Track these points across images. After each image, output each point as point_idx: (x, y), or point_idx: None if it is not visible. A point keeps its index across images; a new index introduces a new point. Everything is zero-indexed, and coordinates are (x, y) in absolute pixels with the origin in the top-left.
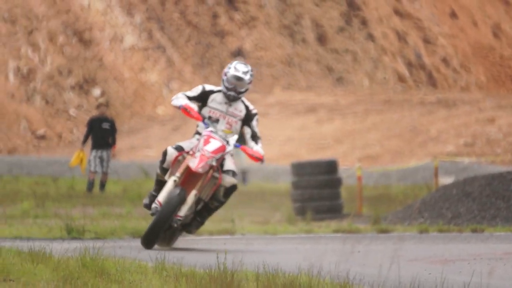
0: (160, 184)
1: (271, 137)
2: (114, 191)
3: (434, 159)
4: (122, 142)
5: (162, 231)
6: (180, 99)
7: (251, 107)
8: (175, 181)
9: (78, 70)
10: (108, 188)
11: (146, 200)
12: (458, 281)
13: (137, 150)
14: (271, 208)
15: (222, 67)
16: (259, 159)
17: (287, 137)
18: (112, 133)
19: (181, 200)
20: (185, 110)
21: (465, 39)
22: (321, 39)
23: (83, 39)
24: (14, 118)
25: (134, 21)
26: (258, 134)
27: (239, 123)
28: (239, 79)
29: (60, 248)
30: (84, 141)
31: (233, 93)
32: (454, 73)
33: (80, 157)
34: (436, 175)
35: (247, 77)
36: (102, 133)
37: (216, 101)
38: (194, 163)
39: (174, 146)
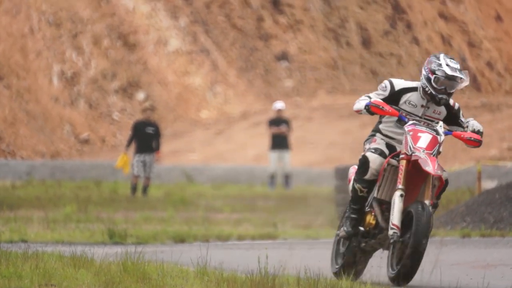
0: (360, 201)
1: (315, 141)
2: (156, 195)
3: (477, 163)
4: (165, 146)
5: (421, 260)
6: (362, 101)
7: (451, 102)
8: (401, 195)
9: (122, 74)
10: (151, 192)
11: (344, 229)
12: (499, 286)
13: (180, 154)
14: (314, 212)
15: (267, 71)
16: (478, 141)
17: (330, 141)
18: (156, 138)
19: (431, 217)
20: (375, 107)
21: (510, 42)
22: (366, 42)
23: (128, 42)
24: (57, 122)
25: (178, 25)
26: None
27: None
28: (452, 78)
29: (102, 252)
30: (128, 145)
31: (445, 97)
32: (498, 77)
33: (124, 159)
34: (479, 179)
35: (461, 75)
36: (145, 137)
37: (411, 103)
38: (430, 167)
39: (371, 150)
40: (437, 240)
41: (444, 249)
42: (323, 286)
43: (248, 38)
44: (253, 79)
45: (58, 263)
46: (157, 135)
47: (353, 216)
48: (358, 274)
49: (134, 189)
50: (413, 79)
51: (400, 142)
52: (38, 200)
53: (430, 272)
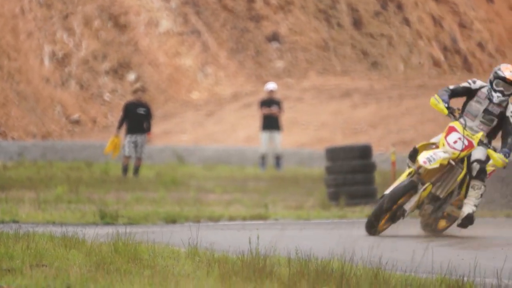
0: None
1: (306, 122)
2: (147, 176)
3: None
4: (156, 127)
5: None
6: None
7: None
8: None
9: (113, 55)
10: (142, 173)
11: None
12: (491, 266)
13: (171, 135)
14: (304, 193)
15: (258, 52)
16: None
17: (321, 121)
18: (147, 119)
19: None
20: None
21: (501, 23)
22: (357, 23)
23: (119, 23)
24: (48, 103)
25: (169, 6)
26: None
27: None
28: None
29: (93, 233)
30: (119, 126)
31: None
32: (489, 58)
33: (114, 142)
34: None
35: None
36: (137, 118)
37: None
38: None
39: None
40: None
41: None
42: (314, 267)
43: (239, 19)
44: (244, 60)
45: (49, 244)
46: (148, 116)
47: None
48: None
49: (125, 170)
50: (403, 60)
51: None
52: (29, 181)
53: (421, 253)
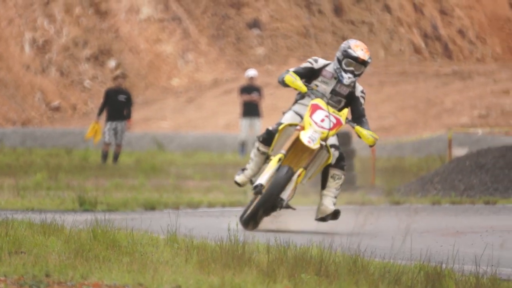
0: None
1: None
2: (127, 163)
3: (448, 131)
4: (136, 114)
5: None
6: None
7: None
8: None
9: (93, 42)
10: (122, 159)
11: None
12: (469, 253)
13: (151, 121)
14: None
15: (238, 38)
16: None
17: None
18: (127, 106)
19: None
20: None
21: (482, 10)
22: (337, 10)
23: (99, 10)
24: (29, 90)
25: None
26: None
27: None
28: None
29: (72, 220)
30: (100, 113)
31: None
32: (469, 45)
33: (95, 129)
34: (449, 146)
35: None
36: (117, 105)
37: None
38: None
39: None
40: (407, 208)
41: (414, 216)
42: (292, 254)
43: (219, 6)
44: (225, 47)
45: (28, 231)
46: (128, 103)
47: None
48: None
49: (105, 156)
50: (384, 47)
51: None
52: (8, 168)
53: (401, 240)
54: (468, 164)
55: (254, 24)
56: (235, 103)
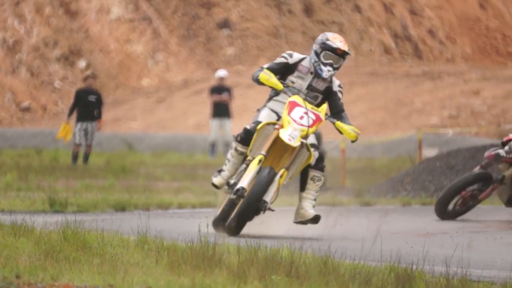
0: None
1: (256, 109)
2: (97, 164)
3: (418, 131)
4: (106, 114)
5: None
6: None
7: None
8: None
9: (64, 42)
10: (92, 160)
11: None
12: (440, 254)
13: (121, 122)
14: None
15: (208, 38)
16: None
17: None
18: (98, 106)
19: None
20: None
21: (452, 10)
22: (308, 10)
23: (70, 10)
24: None
25: None
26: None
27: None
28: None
29: (43, 221)
30: (70, 113)
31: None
32: (440, 45)
33: (66, 129)
34: (420, 147)
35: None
36: (87, 106)
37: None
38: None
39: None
40: (378, 209)
41: (385, 217)
42: (263, 255)
43: (190, 5)
44: (195, 47)
45: None
46: (99, 103)
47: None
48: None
49: (75, 157)
50: (354, 47)
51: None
52: None
53: (371, 241)
54: (439, 165)
55: (224, 24)
56: (205, 104)
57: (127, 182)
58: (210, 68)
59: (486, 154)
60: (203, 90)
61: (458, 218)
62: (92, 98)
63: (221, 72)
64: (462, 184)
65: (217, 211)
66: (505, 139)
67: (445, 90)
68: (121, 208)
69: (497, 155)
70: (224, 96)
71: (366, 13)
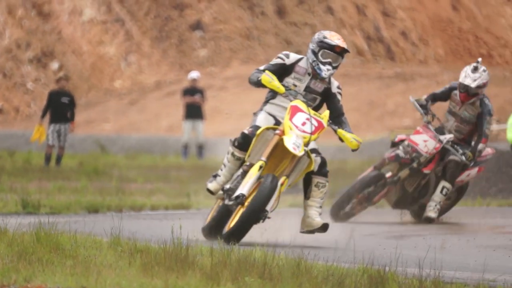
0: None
1: (229, 111)
2: (70, 165)
3: (391, 133)
4: (79, 116)
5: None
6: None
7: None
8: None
9: (36, 43)
10: (64, 162)
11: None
12: (412, 256)
13: (94, 124)
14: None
15: (181, 40)
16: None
17: (245, 111)
18: (71, 108)
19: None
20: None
21: (424, 12)
22: (280, 12)
23: (42, 12)
24: None
25: None
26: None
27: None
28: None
29: (15, 223)
30: (43, 115)
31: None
32: (412, 47)
33: (40, 131)
34: None
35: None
36: (60, 107)
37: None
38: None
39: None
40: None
41: (358, 219)
42: (236, 257)
43: (162, 7)
44: (167, 48)
45: None
46: (72, 105)
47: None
48: None
49: (48, 159)
50: None
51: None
52: None
53: (344, 243)
54: None
55: (197, 26)
56: (178, 105)
57: (100, 184)
58: (183, 70)
59: (386, 155)
60: (175, 92)
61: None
62: (65, 100)
63: (194, 74)
64: (359, 187)
65: (207, 218)
66: (397, 139)
67: (417, 91)
68: (94, 210)
69: (397, 156)
70: (197, 98)
71: (339, 15)
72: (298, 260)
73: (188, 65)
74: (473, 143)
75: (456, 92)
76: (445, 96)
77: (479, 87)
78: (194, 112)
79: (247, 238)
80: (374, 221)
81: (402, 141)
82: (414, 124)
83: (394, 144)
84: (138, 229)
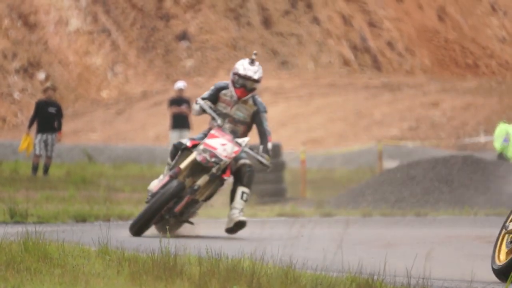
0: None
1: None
2: (57, 175)
3: (378, 143)
4: (66, 126)
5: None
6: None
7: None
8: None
9: (23, 54)
10: (52, 171)
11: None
12: (401, 265)
13: (81, 133)
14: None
15: (167, 51)
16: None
17: None
18: (58, 118)
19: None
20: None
21: (410, 22)
22: (266, 22)
23: (28, 22)
24: None
25: (79, 5)
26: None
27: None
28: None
29: (3, 232)
30: (30, 125)
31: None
32: (399, 57)
33: (27, 141)
34: (380, 158)
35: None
36: (47, 117)
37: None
38: (201, 156)
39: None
40: (338, 220)
41: (345, 228)
42: (224, 266)
43: (148, 18)
44: (154, 59)
45: None
46: (59, 115)
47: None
48: None
49: (35, 168)
50: (313, 59)
51: None
52: None
53: (332, 252)
54: (399, 176)
55: (183, 36)
56: (165, 115)
57: (87, 193)
58: (169, 80)
59: (199, 158)
60: (162, 101)
61: (419, 229)
62: (52, 109)
63: (180, 84)
64: (162, 203)
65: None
66: (189, 144)
67: (404, 102)
68: (81, 219)
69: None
70: (183, 107)
71: (325, 25)
72: (286, 269)
73: (175, 75)
74: (260, 147)
75: (226, 91)
76: (213, 98)
77: (259, 80)
78: (180, 122)
79: (236, 247)
80: (362, 230)
81: (195, 145)
82: (401, 134)
83: (184, 150)
84: (126, 238)
